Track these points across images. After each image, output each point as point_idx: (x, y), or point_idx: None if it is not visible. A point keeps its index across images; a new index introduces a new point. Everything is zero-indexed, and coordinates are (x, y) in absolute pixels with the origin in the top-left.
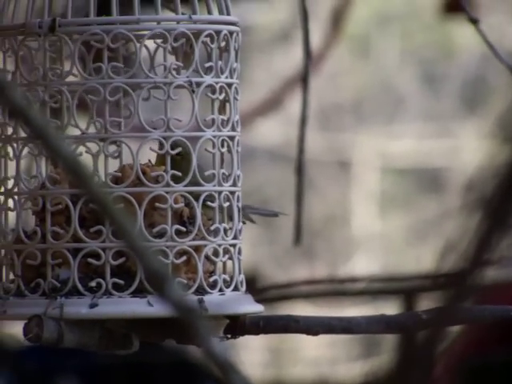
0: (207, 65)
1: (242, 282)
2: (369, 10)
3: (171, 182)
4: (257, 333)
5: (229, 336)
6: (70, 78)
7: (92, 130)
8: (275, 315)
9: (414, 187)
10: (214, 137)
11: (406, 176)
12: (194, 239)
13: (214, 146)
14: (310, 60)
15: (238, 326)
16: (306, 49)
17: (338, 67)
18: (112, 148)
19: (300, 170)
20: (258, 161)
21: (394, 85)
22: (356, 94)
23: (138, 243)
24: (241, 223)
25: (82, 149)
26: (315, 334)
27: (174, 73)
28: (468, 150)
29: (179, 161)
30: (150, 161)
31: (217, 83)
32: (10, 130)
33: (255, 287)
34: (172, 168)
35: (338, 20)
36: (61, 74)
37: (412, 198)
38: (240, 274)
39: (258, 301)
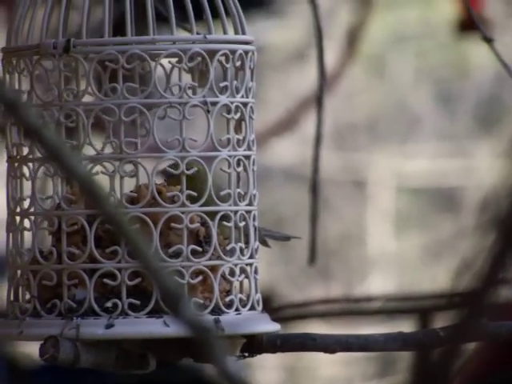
0: (222, 84)
1: (258, 301)
2: (384, 29)
3: (187, 202)
4: (274, 351)
5: (246, 354)
6: (86, 98)
7: (108, 149)
8: (292, 333)
9: (428, 206)
10: (230, 156)
11: (421, 195)
12: (210, 259)
13: (229, 166)
14: (325, 79)
15: (255, 344)
16: (320, 68)
17: (353, 86)
18: (128, 168)
19: (314, 189)
20: (274, 180)
21: (408, 104)
22: (371, 113)
23: (154, 263)
24: (257, 242)
25: (97, 169)
26: (332, 352)
27: (189, 93)
28: (483, 170)
29: (194, 180)
30: (165, 180)
31: (232, 103)
32: (25, 151)
33: (271, 306)
34: (187, 188)
35: (353, 39)
36: (76, 94)
37: (427, 218)
38: (257, 293)
39: (274, 320)
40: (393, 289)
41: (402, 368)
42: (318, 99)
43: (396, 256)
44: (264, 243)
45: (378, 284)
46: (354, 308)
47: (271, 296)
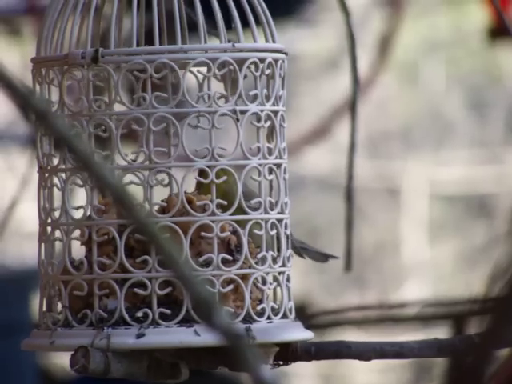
0: (252, 93)
1: (290, 310)
2: (415, 36)
3: (217, 211)
4: (309, 359)
5: (281, 363)
6: (118, 107)
7: (142, 159)
8: (327, 341)
9: (462, 213)
10: (260, 165)
11: (455, 202)
12: (241, 267)
13: (259, 174)
14: (358, 87)
15: (289, 352)
16: (353, 76)
17: (385, 94)
18: (159, 177)
19: (349, 197)
20: (308, 189)
21: (441, 111)
22: (404, 120)
23: (186, 272)
24: (289, 250)
25: (129, 179)
26: (367, 359)
27: (218, 101)
28: None
29: (225, 189)
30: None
31: (262, 111)
32: (55, 161)
33: (306, 314)
34: (217, 196)
35: (385, 47)
36: (108, 103)
37: (461, 225)
38: (289, 301)
39: (309, 327)
40: (428, 296)
41: (437, 374)
42: (351, 107)
43: (430, 263)
44: (299, 254)
45: (413, 291)
46: (389, 315)
47: (306, 304)
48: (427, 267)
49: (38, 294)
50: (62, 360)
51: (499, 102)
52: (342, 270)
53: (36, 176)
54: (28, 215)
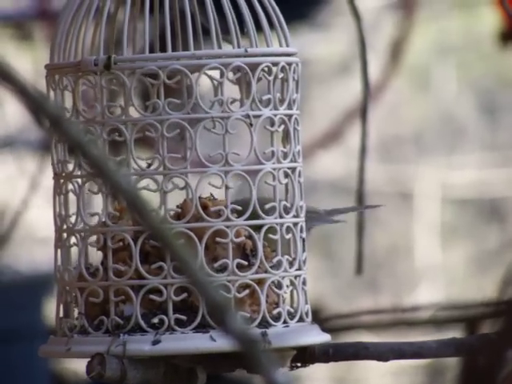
0: (265, 97)
1: (307, 313)
2: (426, 40)
3: (231, 216)
4: (326, 361)
5: (299, 365)
6: (133, 113)
7: (155, 165)
8: (345, 342)
9: (474, 217)
10: (274, 169)
11: (467, 206)
12: (256, 272)
13: (274, 179)
14: (369, 91)
15: (307, 354)
16: (364, 80)
17: (397, 98)
18: (172, 183)
19: (360, 201)
20: (320, 193)
21: (453, 115)
22: (416, 124)
23: (201, 278)
24: (305, 254)
25: (144, 185)
26: (386, 360)
27: (231, 106)
28: None
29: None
30: (211, 194)
31: (275, 115)
32: (70, 167)
33: (319, 318)
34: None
35: (396, 51)
36: (123, 109)
37: (473, 228)
38: (306, 304)
39: (324, 330)
40: (440, 300)
41: (451, 377)
42: (362, 111)
43: (443, 267)
44: (333, 221)
45: (426, 295)
46: (403, 318)
47: (319, 308)
48: (439, 271)
49: (50, 299)
50: (74, 365)
51: (511, 105)
52: (353, 273)
53: (47, 181)
54: (40, 220)
